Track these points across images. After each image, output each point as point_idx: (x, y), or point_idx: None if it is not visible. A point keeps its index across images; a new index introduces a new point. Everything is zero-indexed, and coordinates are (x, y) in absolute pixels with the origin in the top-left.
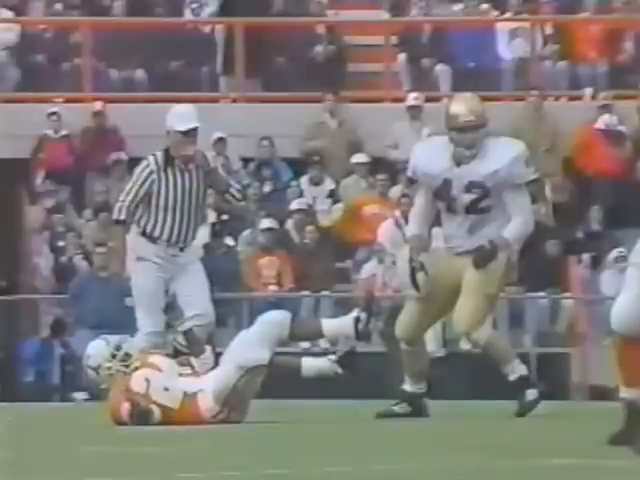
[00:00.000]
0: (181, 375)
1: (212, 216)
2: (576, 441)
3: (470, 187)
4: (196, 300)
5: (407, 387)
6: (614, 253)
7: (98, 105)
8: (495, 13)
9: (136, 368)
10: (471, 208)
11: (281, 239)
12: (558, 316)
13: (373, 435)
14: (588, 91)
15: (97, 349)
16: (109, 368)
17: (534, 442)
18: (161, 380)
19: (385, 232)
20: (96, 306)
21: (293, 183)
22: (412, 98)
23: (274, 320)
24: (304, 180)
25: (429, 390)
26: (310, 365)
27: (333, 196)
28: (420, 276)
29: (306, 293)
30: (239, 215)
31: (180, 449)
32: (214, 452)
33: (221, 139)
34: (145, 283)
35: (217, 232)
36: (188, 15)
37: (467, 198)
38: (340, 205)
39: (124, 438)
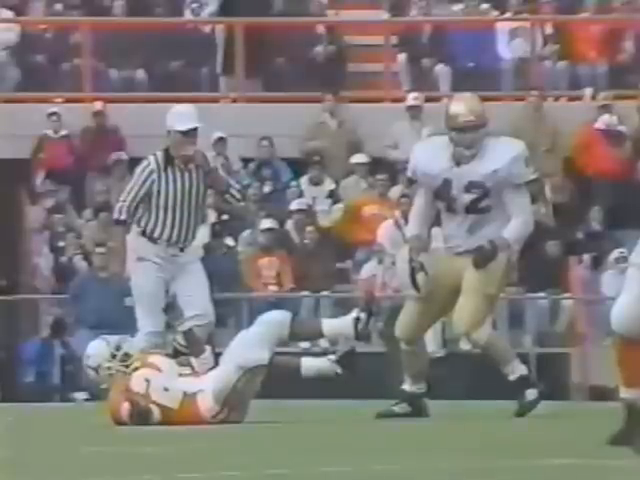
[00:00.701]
0: (181, 375)
1: (212, 216)
2: (576, 441)
3: (470, 187)
4: (196, 300)
5: (407, 387)
6: (615, 254)
7: (98, 105)
8: (495, 13)
9: (136, 368)
10: (471, 208)
11: (281, 239)
12: (558, 316)
13: (373, 435)
14: (588, 91)
15: (97, 349)
16: (109, 368)
17: (534, 442)
18: (161, 380)
19: (385, 232)
20: (96, 306)
21: (293, 183)
22: (412, 98)
23: (274, 320)
24: (304, 180)
25: (429, 390)
26: (310, 365)
27: (333, 196)
28: (420, 276)
29: (306, 293)
30: (239, 215)
31: (180, 449)
32: (214, 452)
33: (221, 139)
34: (145, 283)
35: (217, 232)
36: (188, 15)
37: (467, 198)
38: (340, 205)
39: (124, 438)
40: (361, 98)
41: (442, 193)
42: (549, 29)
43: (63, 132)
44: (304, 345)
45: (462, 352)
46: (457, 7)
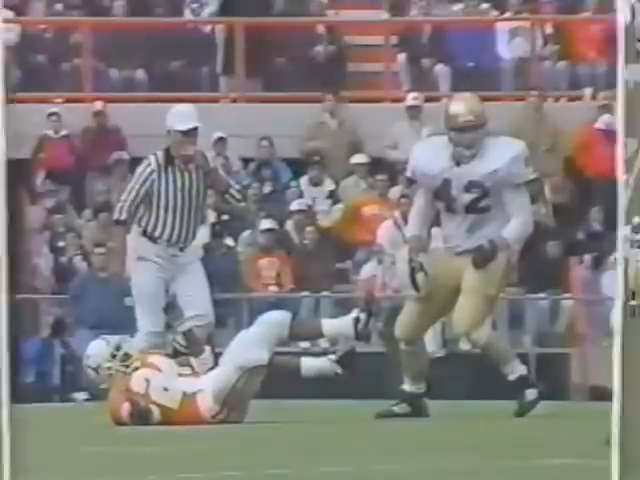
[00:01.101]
0: (180, 375)
1: (212, 216)
2: (576, 441)
3: (469, 187)
4: (196, 300)
5: (407, 387)
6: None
7: (98, 105)
8: (495, 13)
9: (136, 368)
10: (471, 208)
11: (281, 240)
12: (558, 316)
13: (373, 435)
14: (588, 91)
15: (97, 349)
16: (109, 368)
17: (534, 442)
18: (161, 380)
19: (384, 233)
20: (96, 306)
21: (293, 183)
22: (411, 98)
23: (274, 320)
24: (304, 180)
25: (429, 390)
26: (310, 365)
27: (333, 197)
28: (420, 276)
29: (306, 293)
30: (239, 215)
31: (180, 449)
32: (214, 452)
33: (221, 139)
34: (145, 283)
35: (217, 232)
36: (188, 15)
37: (467, 198)
38: (340, 206)
39: (124, 438)
40: (361, 98)
41: (442, 193)
42: (549, 29)
43: (63, 132)
44: (304, 345)
45: (462, 352)
46: (457, 7)
